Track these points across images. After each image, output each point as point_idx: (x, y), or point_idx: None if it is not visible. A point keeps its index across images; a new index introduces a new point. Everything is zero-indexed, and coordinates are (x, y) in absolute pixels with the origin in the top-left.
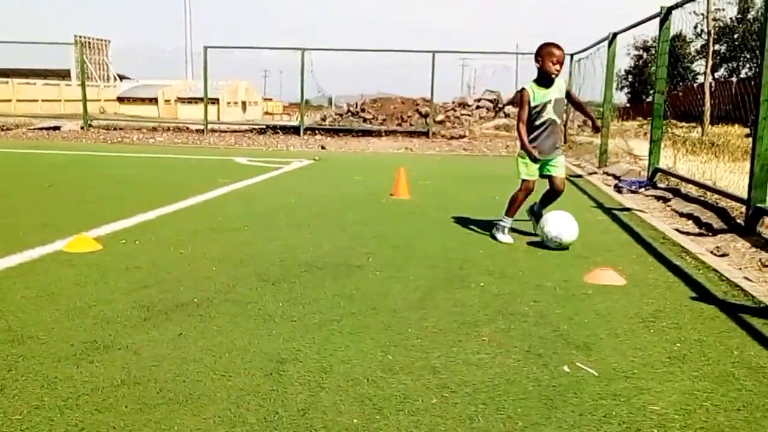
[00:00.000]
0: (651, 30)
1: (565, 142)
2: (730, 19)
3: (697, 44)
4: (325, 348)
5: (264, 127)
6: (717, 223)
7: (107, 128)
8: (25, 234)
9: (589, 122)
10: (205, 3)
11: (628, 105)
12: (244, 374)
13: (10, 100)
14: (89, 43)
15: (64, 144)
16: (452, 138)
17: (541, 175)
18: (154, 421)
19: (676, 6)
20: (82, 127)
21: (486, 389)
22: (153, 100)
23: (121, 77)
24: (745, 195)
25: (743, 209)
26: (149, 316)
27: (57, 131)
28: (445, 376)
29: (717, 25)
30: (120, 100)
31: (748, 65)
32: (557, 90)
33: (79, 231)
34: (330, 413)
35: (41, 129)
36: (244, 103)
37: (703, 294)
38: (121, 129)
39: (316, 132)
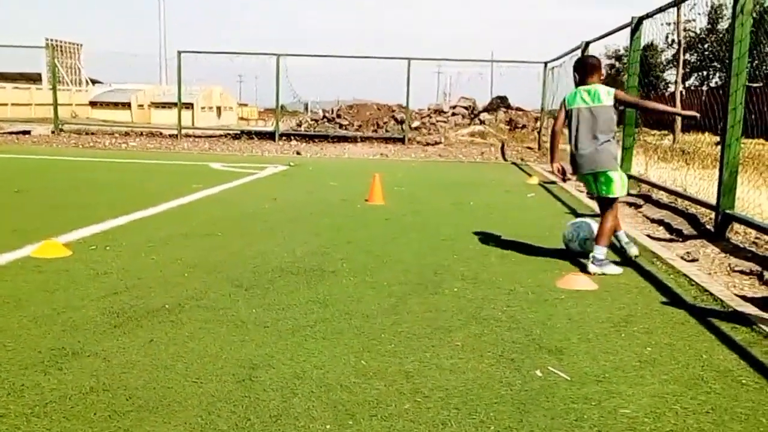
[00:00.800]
0: (623, 40)
1: (539, 149)
2: (701, 29)
3: (669, 54)
4: (298, 354)
5: (239, 132)
6: (687, 229)
7: (79, 133)
8: None
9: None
10: (180, 9)
11: None
12: (215, 380)
13: None
14: (61, 46)
15: (34, 148)
16: (428, 144)
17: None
18: (124, 429)
19: (647, 16)
20: (53, 132)
21: (459, 394)
22: (126, 105)
23: (94, 81)
24: (714, 201)
25: (713, 215)
26: (119, 322)
27: (27, 135)
28: (419, 381)
29: (687, 35)
30: (92, 104)
31: (717, 75)
32: None
33: (48, 236)
34: (302, 419)
35: (10, 133)
36: (219, 108)
37: (673, 299)
38: (92, 134)
39: (292, 138)
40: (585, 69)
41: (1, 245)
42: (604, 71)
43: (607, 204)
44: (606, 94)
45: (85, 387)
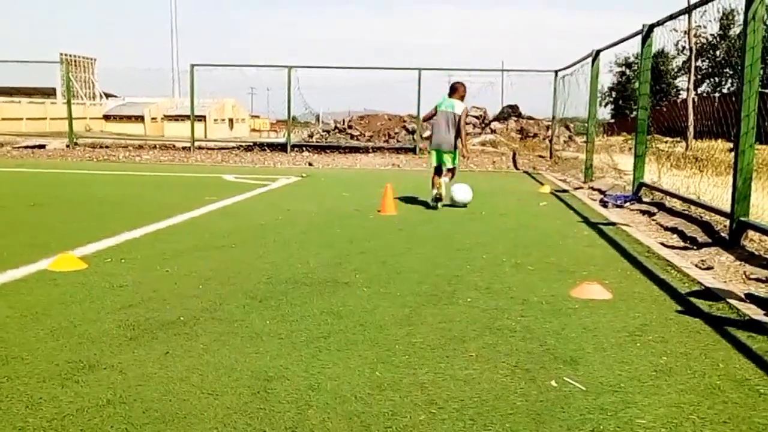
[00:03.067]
0: (633, 47)
1: (551, 157)
2: (712, 35)
3: (680, 60)
4: (312, 365)
5: (251, 144)
6: (701, 237)
7: (93, 146)
8: (9, 253)
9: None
10: (192, 23)
11: (612, 121)
12: (231, 393)
13: None
14: (75, 61)
15: (49, 162)
16: None
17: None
18: None
19: (658, 23)
20: (67, 146)
21: (474, 405)
22: (139, 118)
23: (108, 95)
24: (728, 209)
25: (727, 223)
26: (135, 335)
27: (42, 149)
28: (433, 392)
29: (699, 41)
30: (106, 118)
31: (730, 81)
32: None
33: (64, 250)
34: (318, 431)
35: (26, 147)
36: (231, 120)
37: (688, 307)
38: (107, 147)
39: (304, 149)
40: (454, 89)
41: (17, 259)
42: (466, 93)
43: (449, 169)
44: (458, 107)
45: (101, 399)
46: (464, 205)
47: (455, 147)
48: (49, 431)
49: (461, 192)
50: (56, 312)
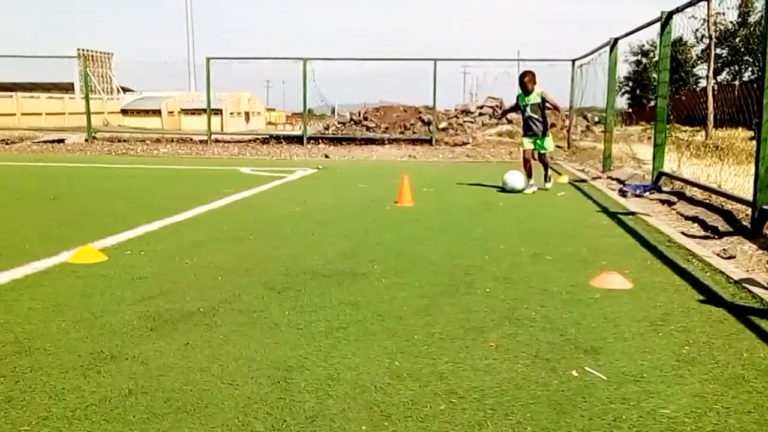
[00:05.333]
0: (648, 35)
1: (568, 147)
2: (731, 23)
3: (699, 49)
4: (332, 355)
5: (267, 136)
6: (723, 226)
7: (111, 140)
8: (31, 246)
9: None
10: (207, 16)
11: (630, 110)
12: (251, 383)
13: (14, 114)
14: (92, 56)
15: (68, 156)
16: (455, 145)
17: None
18: (162, 431)
19: (677, 10)
20: (86, 140)
21: (494, 395)
22: (156, 112)
23: (125, 89)
24: (750, 197)
25: (749, 211)
26: (155, 326)
27: (61, 144)
28: (453, 382)
29: (718, 29)
30: (124, 112)
31: (750, 68)
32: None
33: (85, 242)
34: (338, 420)
35: (45, 142)
36: (247, 113)
37: (710, 297)
38: (125, 141)
39: (320, 141)
40: (524, 84)
41: (39, 251)
42: (535, 78)
43: (540, 154)
44: (537, 98)
45: (123, 390)
46: (517, 191)
47: (544, 134)
48: (73, 421)
49: (513, 178)
50: (78, 304)
